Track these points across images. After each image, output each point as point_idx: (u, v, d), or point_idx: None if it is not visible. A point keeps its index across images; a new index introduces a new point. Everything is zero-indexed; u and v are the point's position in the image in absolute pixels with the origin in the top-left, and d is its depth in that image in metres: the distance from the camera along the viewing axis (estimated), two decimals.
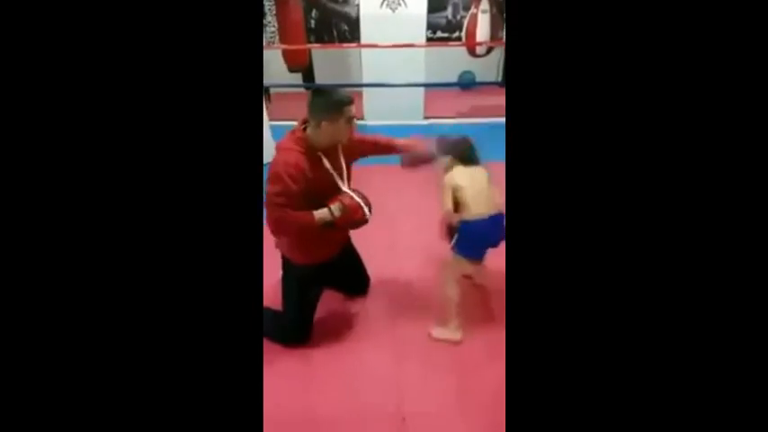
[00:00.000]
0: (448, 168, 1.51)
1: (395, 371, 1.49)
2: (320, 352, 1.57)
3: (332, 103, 1.32)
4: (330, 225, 1.41)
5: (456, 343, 1.59)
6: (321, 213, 1.38)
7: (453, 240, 1.54)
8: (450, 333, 1.60)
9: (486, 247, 1.56)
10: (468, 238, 1.51)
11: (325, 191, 1.40)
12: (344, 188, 1.44)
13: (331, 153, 1.42)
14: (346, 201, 1.40)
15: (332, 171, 1.41)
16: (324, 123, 1.32)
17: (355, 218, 1.43)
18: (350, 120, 1.36)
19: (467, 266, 1.61)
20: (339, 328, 1.68)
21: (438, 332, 1.61)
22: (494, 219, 1.49)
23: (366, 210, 1.43)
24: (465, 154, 1.52)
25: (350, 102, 1.34)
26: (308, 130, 1.37)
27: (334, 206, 1.39)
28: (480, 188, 1.49)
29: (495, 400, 1.36)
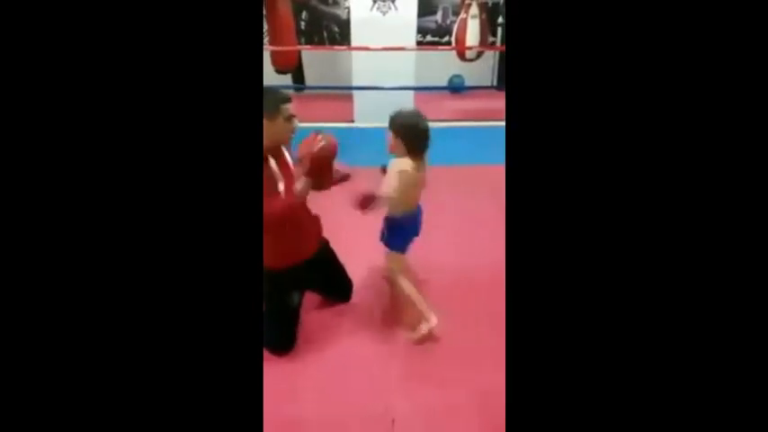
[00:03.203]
0: (399, 153, 1.43)
1: (384, 373, 1.49)
2: (309, 354, 1.56)
3: (269, 101, 1.35)
4: (317, 183, 1.41)
5: (434, 328, 1.57)
6: (297, 184, 1.39)
7: (385, 237, 1.56)
8: (427, 325, 1.58)
9: (412, 239, 1.61)
10: (402, 233, 1.57)
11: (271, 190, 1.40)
12: (282, 188, 1.43)
13: (277, 155, 1.43)
14: (301, 154, 1.39)
15: (277, 171, 1.41)
16: (263, 122, 1.35)
17: (322, 158, 1.40)
18: (289, 118, 1.38)
19: (404, 259, 1.61)
20: (328, 331, 1.67)
21: (414, 334, 1.59)
22: (419, 210, 1.56)
23: (318, 137, 1.40)
24: (422, 143, 1.44)
25: (287, 100, 1.37)
26: None
27: (297, 170, 1.40)
28: (421, 184, 1.48)
29: (483, 400, 1.37)
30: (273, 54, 4.48)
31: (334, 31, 5.61)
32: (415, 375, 1.48)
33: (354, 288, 1.84)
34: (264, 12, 4.28)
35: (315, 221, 1.64)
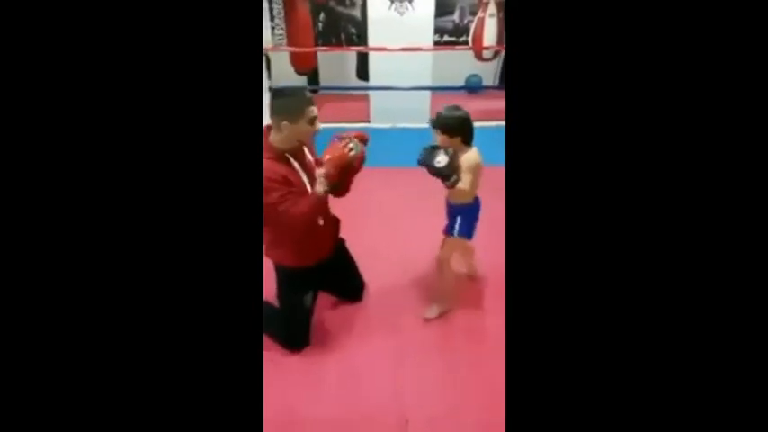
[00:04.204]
0: (454, 148, 1.46)
1: (398, 374, 1.48)
2: (322, 355, 1.57)
3: (294, 103, 1.34)
4: (335, 187, 1.43)
5: (449, 310, 1.69)
6: (318, 187, 1.38)
7: (458, 224, 1.59)
8: (445, 306, 1.70)
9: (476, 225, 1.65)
10: (472, 218, 1.61)
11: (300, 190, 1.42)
12: (310, 188, 1.44)
13: (297, 154, 1.44)
14: (326, 157, 1.39)
15: (300, 171, 1.43)
16: (284, 124, 1.34)
17: (346, 166, 1.42)
18: (312, 120, 1.37)
19: (464, 246, 1.71)
20: (341, 332, 1.68)
21: (431, 311, 1.69)
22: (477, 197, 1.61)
23: (350, 146, 1.42)
24: (469, 132, 1.50)
25: (311, 102, 1.36)
26: (271, 134, 1.39)
27: (319, 172, 1.39)
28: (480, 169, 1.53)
29: (497, 402, 1.35)
30: (293, 56, 4.52)
31: (351, 32, 5.62)
32: (429, 377, 1.48)
33: (367, 288, 1.85)
34: (284, 14, 4.33)
35: (334, 222, 1.65)
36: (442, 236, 1.69)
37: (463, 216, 1.60)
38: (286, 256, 1.52)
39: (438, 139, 1.49)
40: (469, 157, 1.48)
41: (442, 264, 1.70)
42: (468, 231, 1.62)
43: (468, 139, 1.50)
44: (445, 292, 1.73)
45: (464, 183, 1.46)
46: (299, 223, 1.39)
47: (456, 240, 1.64)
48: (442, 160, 1.41)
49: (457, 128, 1.47)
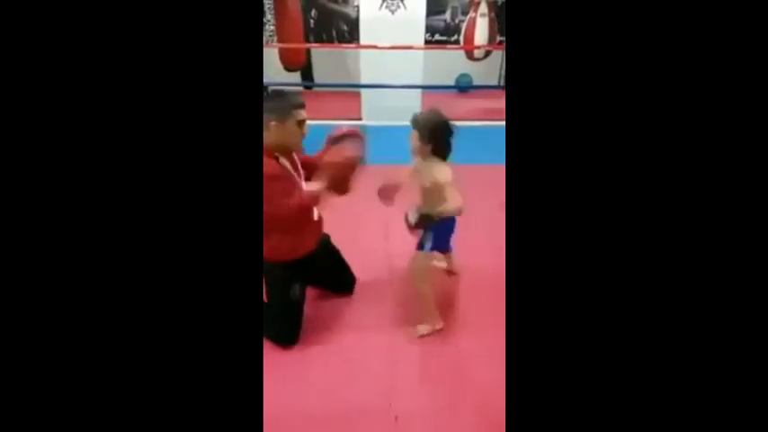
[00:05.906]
0: (425, 162, 1.45)
1: (388, 370, 1.50)
2: (313, 350, 1.57)
3: (282, 105, 1.35)
4: (336, 188, 1.44)
5: (440, 330, 1.64)
6: (314, 184, 1.41)
7: (427, 238, 1.56)
8: (433, 325, 1.65)
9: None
10: (447, 232, 1.59)
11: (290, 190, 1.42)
12: (304, 186, 1.46)
13: (286, 156, 1.44)
14: (324, 160, 1.41)
15: (291, 169, 1.44)
16: (273, 125, 1.34)
17: (345, 168, 1.43)
18: (300, 123, 1.38)
19: (436, 259, 1.68)
20: (332, 327, 1.68)
21: (422, 329, 1.65)
22: None
23: (347, 147, 1.43)
24: (440, 142, 1.45)
25: (300, 105, 1.37)
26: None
27: (317, 182, 1.41)
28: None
29: (486, 399, 1.37)
30: (282, 52, 4.49)
31: (343, 30, 5.61)
32: (418, 372, 1.49)
33: (358, 283, 1.85)
34: (274, 9, 4.29)
35: (319, 218, 1.66)
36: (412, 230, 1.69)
37: (443, 230, 1.58)
38: (269, 249, 1.51)
39: (412, 139, 1.46)
40: (444, 172, 1.44)
41: (418, 284, 1.65)
42: (444, 244, 1.61)
43: (438, 150, 1.44)
44: (428, 312, 1.66)
45: (451, 202, 1.43)
46: (288, 215, 1.40)
47: (429, 255, 1.62)
48: (412, 218, 1.49)
49: (428, 133, 1.42)
